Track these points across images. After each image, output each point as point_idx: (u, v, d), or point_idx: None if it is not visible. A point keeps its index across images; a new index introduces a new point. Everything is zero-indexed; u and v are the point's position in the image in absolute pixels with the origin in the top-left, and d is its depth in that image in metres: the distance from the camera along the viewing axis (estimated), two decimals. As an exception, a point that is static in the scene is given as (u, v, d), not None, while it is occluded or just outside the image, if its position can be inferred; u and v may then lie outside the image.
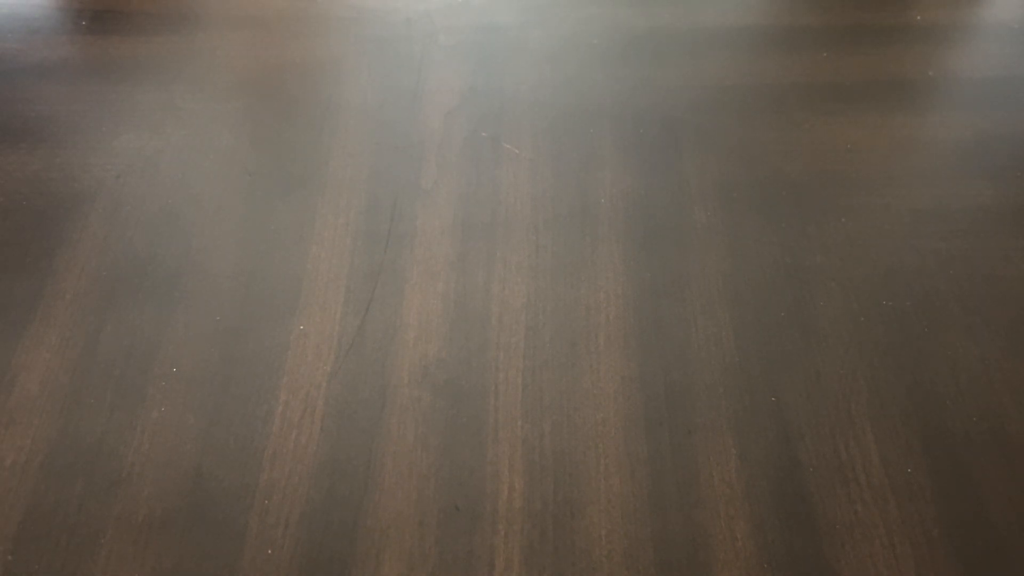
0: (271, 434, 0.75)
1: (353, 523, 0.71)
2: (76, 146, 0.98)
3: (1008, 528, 0.71)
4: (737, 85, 1.07)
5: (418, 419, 0.77)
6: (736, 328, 0.83)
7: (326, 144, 0.99)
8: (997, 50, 1.13)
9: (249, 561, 0.68)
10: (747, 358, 0.81)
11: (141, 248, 0.88)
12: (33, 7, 1.15)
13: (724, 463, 0.74)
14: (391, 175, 0.96)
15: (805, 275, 0.87)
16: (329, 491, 0.72)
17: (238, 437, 0.75)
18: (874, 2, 1.19)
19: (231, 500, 0.71)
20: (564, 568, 0.69)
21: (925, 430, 0.76)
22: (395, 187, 0.95)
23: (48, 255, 0.87)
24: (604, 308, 0.85)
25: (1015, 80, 1.08)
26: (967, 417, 0.77)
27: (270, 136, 1.00)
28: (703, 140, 1.00)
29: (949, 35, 1.14)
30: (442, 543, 0.70)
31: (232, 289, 0.85)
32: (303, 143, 0.99)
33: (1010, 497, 0.72)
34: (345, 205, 0.93)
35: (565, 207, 0.93)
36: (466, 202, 0.93)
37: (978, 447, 0.75)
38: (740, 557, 0.69)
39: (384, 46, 1.11)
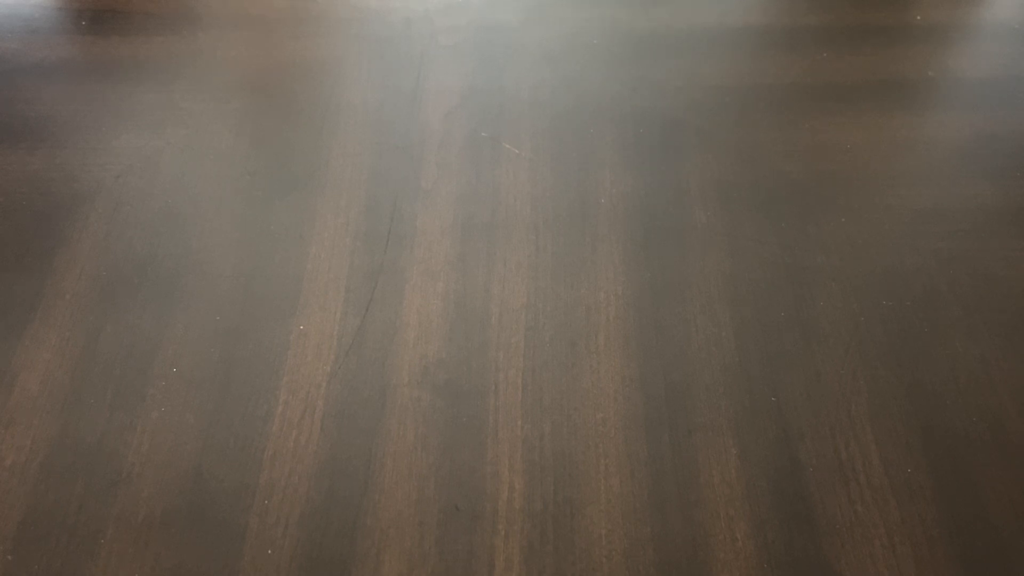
0: (271, 434, 0.75)
1: (353, 523, 0.71)
2: (76, 146, 0.98)
3: (1008, 528, 0.71)
4: (737, 85, 1.07)
5: (418, 419, 0.77)
6: (736, 328, 0.83)
7: (326, 144, 0.99)
8: (997, 50, 1.13)
9: (249, 561, 0.68)
10: (747, 358, 0.81)
11: (141, 248, 0.88)
12: (33, 7, 1.15)
13: (724, 463, 0.74)
14: (391, 175, 0.96)
15: (805, 275, 0.87)
16: (329, 491, 0.72)
17: (238, 437, 0.75)
18: (874, 2, 1.19)
19: (231, 500, 0.71)
20: (564, 568, 0.69)
21: (925, 430, 0.76)
22: (395, 187, 0.95)
23: (48, 255, 0.87)
24: (604, 308, 0.84)
25: (1015, 80, 1.08)
26: (967, 417, 0.77)
27: (270, 136, 1.00)
28: (703, 140, 1.00)
29: (949, 35, 1.14)
30: (442, 543, 0.70)
31: (232, 289, 0.85)
32: (303, 143, 0.99)
33: (1010, 497, 0.72)
34: (345, 205, 0.93)
35: (565, 207, 0.93)
36: (466, 202, 0.93)
37: (978, 447, 0.75)
38: (740, 557, 0.69)
39: (384, 46, 1.11)
